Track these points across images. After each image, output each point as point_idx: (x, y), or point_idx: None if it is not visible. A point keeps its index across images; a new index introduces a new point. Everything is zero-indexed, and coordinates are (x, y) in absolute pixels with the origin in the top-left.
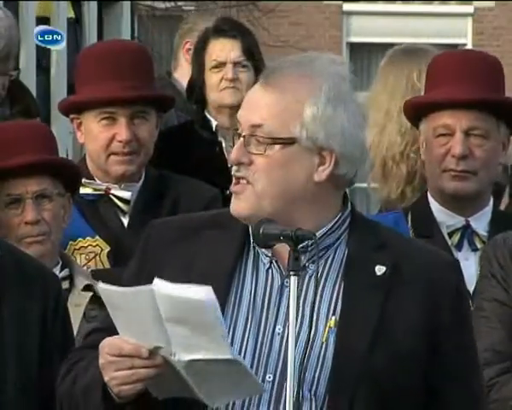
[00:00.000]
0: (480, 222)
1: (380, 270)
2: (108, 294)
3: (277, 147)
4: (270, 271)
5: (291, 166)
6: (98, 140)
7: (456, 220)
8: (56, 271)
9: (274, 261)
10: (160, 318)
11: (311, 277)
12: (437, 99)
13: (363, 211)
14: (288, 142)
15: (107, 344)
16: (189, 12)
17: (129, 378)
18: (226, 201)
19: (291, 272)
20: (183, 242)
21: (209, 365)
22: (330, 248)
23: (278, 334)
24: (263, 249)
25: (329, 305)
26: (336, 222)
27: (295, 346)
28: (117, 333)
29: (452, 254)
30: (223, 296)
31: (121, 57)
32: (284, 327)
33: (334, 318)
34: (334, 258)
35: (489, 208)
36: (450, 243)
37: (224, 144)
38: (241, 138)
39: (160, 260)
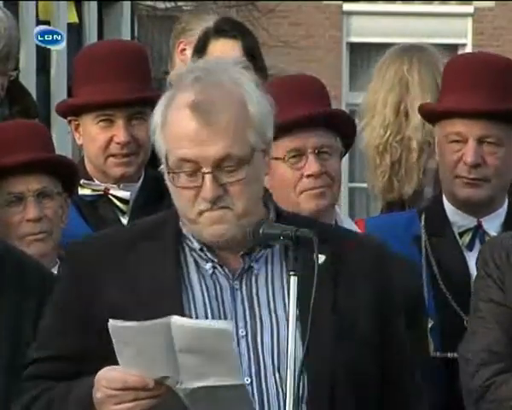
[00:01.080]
0: (493, 223)
1: (320, 259)
2: (119, 330)
3: (246, 166)
4: (214, 276)
5: (257, 174)
6: (96, 142)
7: (468, 221)
8: (55, 270)
9: (218, 266)
10: (172, 349)
11: (257, 276)
12: (449, 108)
13: (363, 211)
14: (252, 155)
15: (104, 378)
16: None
17: None
18: None
19: (291, 272)
20: (115, 260)
21: (214, 391)
22: (268, 246)
23: (243, 337)
24: (207, 254)
25: (284, 301)
26: (269, 218)
27: (263, 348)
28: (76, 361)
29: (463, 253)
30: (179, 311)
31: (118, 58)
32: (246, 329)
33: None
34: (273, 255)
35: (503, 210)
36: (461, 242)
37: None
38: (209, 175)
39: (96, 283)
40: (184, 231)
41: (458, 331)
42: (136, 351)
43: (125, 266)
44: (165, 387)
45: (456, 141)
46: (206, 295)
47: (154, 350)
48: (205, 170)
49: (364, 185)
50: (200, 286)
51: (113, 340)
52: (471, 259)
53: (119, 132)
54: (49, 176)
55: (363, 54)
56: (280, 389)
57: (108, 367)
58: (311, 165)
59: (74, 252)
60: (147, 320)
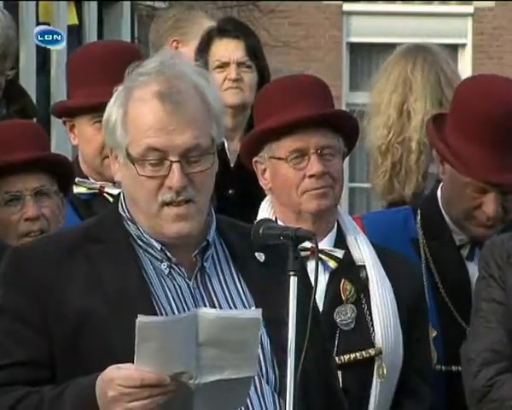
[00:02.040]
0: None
1: (260, 257)
2: (145, 326)
3: (210, 156)
4: (171, 276)
5: (214, 168)
6: (92, 143)
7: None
8: None
9: (174, 266)
10: (193, 342)
11: (209, 275)
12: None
13: (363, 211)
14: (213, 147)
15: (118, 377)
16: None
17: (145, 407)
18: (226, 200)
19: (291, 272)
20: (68, 265)
21: (225, 384)
22: (213, 245)
23: None
24: (167, 254)
25: (240, 297)
26: (209, 216)
27: None
28: (42, 365)
29: (462, 258)
30: (151, 311)
31: (112, 59)
32: None
33: (254, 309)
34: (217, 253)
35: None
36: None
37: (226, 145)
38: (177, 164)
39: (55, 290)
40: (136, 231)
41: (460, 342)
42: (156, 347)
43: (82, 270)
44: (179, 382)
45: (476, 191)
46: (169, 294)
47: (173, 345)
48: (172, 159)
49: (365, 185)
50: (162, 286)
51: (136, 336)
52: (473, 269)
53: None
54: (46, 175)
55: (363, 54)
56: (257, 383)
57: (114, 366)
58: (314, 165)
59: (21, 258)
60: (119, 321)
